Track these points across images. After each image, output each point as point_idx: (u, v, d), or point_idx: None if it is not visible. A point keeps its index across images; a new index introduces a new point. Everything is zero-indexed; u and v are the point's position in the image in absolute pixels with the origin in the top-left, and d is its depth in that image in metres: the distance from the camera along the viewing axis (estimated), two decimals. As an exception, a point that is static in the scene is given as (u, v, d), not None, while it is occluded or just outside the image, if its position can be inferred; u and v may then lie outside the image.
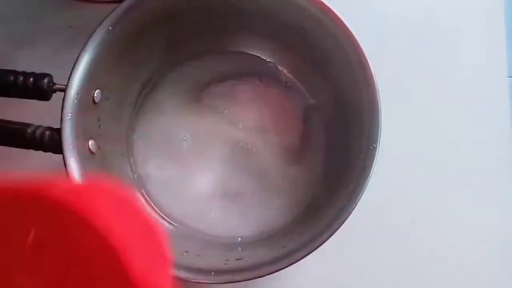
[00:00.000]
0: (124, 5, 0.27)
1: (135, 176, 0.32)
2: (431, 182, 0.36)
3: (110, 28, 0.27)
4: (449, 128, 0.37)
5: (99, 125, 0.29)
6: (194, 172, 0.32)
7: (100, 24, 0.26)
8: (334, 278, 0.34)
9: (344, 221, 0.25)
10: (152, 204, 0.31)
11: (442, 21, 0.39)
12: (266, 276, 0.25)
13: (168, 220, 0.31)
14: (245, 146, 0.33)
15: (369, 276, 0.34)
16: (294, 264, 0.25)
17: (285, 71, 0.34)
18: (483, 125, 0.38)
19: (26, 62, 0.35)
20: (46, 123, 0.26)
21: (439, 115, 0.37)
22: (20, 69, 0.28)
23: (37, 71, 0.27)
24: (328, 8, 0.27)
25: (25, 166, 0.34)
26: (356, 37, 0.27)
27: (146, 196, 0.32)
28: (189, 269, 0.25)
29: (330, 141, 0.33)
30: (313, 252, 0.25)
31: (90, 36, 0.26)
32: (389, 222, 0.35)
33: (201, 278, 0.25)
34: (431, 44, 0.39)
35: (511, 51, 0.39)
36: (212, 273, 0.25)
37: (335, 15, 0.27)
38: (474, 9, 0.40)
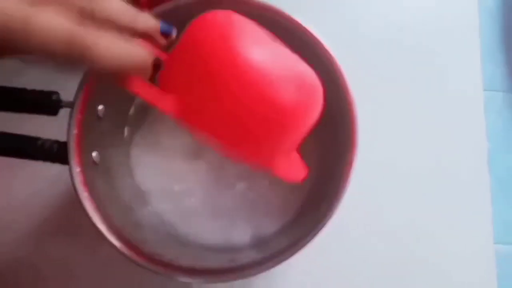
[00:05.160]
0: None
1: (136, 186, 0.34)
2: (409, 192, 0.38)
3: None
4: (426, 141, 0.39)
5: (102, 137, 0.31)
6: (189, 182, 0.35)
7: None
8: (322, 275, 0.36)
9: (325, 225, 0.28)
10: (153, 213, 0.34)
11: (418, 36, 0.41)
12: (258, 276, 0.28)
13: (168, 227, 0.34)
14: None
15: (352, 274, 0.37)
16: (283, 264, 0.28)
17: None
18: (460, 137, 0.40)
19: (33, 78, 0.38)
20: (54, 136, 0.29)
21: (416, 128, 0.40)
22: (27, 83, 0.30)
23: (43, 86, 0.30)
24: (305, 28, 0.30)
25: (32, 175, 0.37)
26: (335, 58, 0.30)
27: (147, 205, 0.34)
28: (187, 270, 0.28)
29: (316, 152, 0.35)
30: (300, 253, 0.28)
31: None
32: (371, 226, 0.37)
33: (200, 280, 0.28)
34: (407, 59, 0.41)
35: (486, 64, 0.41)
36: (208, 273, 0.28)
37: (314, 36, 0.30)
38: (449, 24, 0.42)
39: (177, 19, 0.31)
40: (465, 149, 0.40)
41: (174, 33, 0.24)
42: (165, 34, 0.24)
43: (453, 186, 0.39)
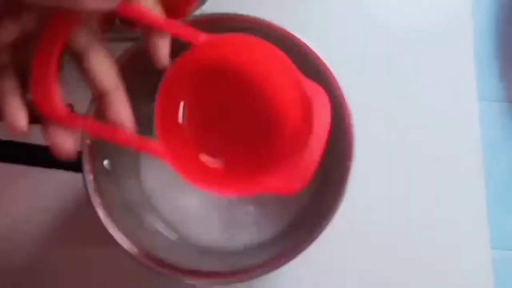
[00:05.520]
0: (138, 44, 0.31)
1: (144, 192, 0.36)
2: (406, 199, 0.39)
3: (125, 63, 0.31)
4: (422, 149, 0.40)
5: (113, 146, 0.33)
6: (193, 190, 0.36)
7: (117, 60, 0.31)
8: (322, 277, 0.38)
9: (325, 228, 0.29)
10: (161, 219, 0.35)
11: (412, 47, 0.42)
12: (260, 278, 0.29)
13: (175, 232, 0.35)
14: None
15: (350, 278, 0.38)
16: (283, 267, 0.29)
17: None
18: (456, 146, 0.41)
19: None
20: (67, 146, 0.30)
21: (412, 136, 0.41)
22: None
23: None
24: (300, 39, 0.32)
25: (39, 182, 0.38)
26: (331, 69, 0.31)
27: (155, 211, 0.35)
28: (192, 272, 0.29)
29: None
30: (300, 257, 0.29)
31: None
32: (369, 231, 0.39)
33: (203, 282, 0.29)
34: (402, 69, 0.42)
35: (481, 75, 0.42)
36: (211, 275, 0.29)
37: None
38: (444, 35, 0.43)
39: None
40: (461, 157, 0.40)
41: None
42: None
43: (450, 193, 0.40)
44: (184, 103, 0.24)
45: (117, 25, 0.38)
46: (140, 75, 0.33)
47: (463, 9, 0.43)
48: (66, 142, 0.21)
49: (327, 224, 0.28)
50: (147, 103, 0.36)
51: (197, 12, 0.35)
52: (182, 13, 0.36)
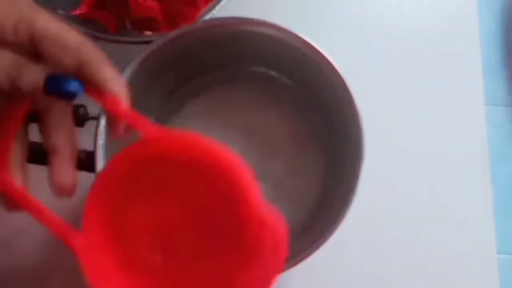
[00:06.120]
0: (150, 48, 0.32)
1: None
2: (412, 203, 0.40)
3: (137, 67, 0.32)
4: (429, 152, 0.41)
5: (122, 148, 0.33)
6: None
7: (130, 63, 0.31)
8: (328, 280, 0.38)
9: (335, 231, 0.29)
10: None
11: (420, 51, 0.43)
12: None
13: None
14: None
15: (356, 281, 0.38)
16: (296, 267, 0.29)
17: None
18: (462, 149, 0.41)
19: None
20: (81, 146, 0.31)
21: (419, 139, 0.41)
22: None
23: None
24: (316, 49, 0.32)
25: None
26: (343, 75, 0.32)
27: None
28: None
29: (324, 159, 0.37)
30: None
31: (120, 74, 0.31)
32: (376, 234, 0.39)
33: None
34: (411, 73, 0.42)
35: (487, 80, 0.43)
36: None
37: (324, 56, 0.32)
38: (451, 39, 0.43)
39: (198, 40, 0.34)
40: (467, 161, 0.41)
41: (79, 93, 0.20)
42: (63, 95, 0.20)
43: (456, 197, 0.40)
44: (119, 197, 0.21)
45: (128, 29, 0.39)
46: (152, 77, 0.33)
47: (470, 16, 0.44)
48: None
49: (335, 228, 0.29)
50: (158, 103, 0.37)
51: (208, 16, 0.36)
52: (190, 17, 0.37)
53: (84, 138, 0.31)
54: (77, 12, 0.37)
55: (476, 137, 0.41)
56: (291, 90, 0.37)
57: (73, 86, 0.20)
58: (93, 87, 0.21)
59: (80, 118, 0.31)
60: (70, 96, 0.20)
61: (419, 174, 0.40)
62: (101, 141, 0.31)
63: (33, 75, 0.20)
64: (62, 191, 0.21)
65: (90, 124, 0.31)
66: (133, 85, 0.32)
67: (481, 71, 0.43)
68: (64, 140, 0.21)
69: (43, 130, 0.21)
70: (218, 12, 0.36)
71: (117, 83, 0.21)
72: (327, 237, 0.29)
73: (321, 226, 0.30)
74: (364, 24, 0.43)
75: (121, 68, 0.31)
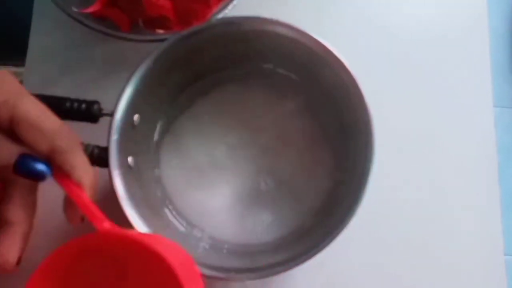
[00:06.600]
0: (163, 46, 0.32)
1: (164, 189, 0.37)
2: (421, 204, 0.40)
3: (151, 64, 0.32)
4: (438, 154, 0.41)
5: (136, 144, 0.34)
6: (215, 186, 0.37)
7: (143, 61, 0.32)
8: (333, 279, 0.38)
9: (342, 231, 0.29)
10: (178, 216, 0.36)
11: (430, 54, 0.43)
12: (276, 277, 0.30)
13: (194, 229, 0.36)
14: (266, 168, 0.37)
15: (363, 280, 0.38)
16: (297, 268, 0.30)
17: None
18: (471, 151, 0.41)
19: (69, 87, 0.41)
20: (94, 142, 0.32)
21: (428, 141, 0.41)
22: (62, 92, 0.32)
23: (78, 95, 0.32)
24: (329, 49, 0.32)
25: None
26: (354, 75, 0.32)
27: (173, 208, 0.36)
28: (212, 267, 0.30)
29: (333, 160, 0.37)
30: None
31: (134, 71, 0.32)
32: (384, 235, 0.39)
33: (222, 276, 0.30)
34: (420, 76, 0.42)
35: (496, 82, 0.42)
36: (232, 271, 0.30)
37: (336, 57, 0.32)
38: (461, 42, 0.43)
39: (210, 39, 0.34)
40: (476, 163, 0.41)
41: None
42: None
43: (464, 199, 0.40)
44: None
45: (141, 27, 0.39)
46: (163, 74, 0.34)
47: (480, 19, 0.44)
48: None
49: (343, 227, 0.29)
50: (169, 100, 0.37)
51: (220, 15, 0.37)
52: (202, 16, 0.37)
53: (98, 134, 0.32)
54: (90, 10, 0.38)
55: (484, 138, 0.41)
56: (301, 88, 0.38)
57: (42, 168, 0.21)
58: (62, 172, 0.21)
59: (94, 114, 0.32)
60: (38, 178, 0.21)
61: (428, 174, 0.41)
62: (114, 136, 0.31)
63: (6, 152, 0.21)
64: (3, 269, 0.21)
65: (104, 120, 0.32)
66: (146, 82, 0.33)
67: (490, 73, 0.43)
68: (23, 217, 0.22)
69: (4, 201, 0.22)
70: (231, 11, 0.36)
71: (85, 172, 0.22)
72: (335, 235, 0.29)
73: (329, 224, 0.31)
74: (376, 25, 0.44)
75: (133, 65, 0.32)
